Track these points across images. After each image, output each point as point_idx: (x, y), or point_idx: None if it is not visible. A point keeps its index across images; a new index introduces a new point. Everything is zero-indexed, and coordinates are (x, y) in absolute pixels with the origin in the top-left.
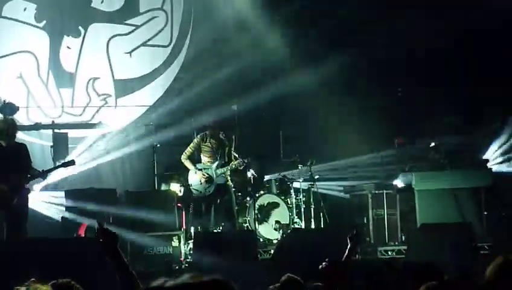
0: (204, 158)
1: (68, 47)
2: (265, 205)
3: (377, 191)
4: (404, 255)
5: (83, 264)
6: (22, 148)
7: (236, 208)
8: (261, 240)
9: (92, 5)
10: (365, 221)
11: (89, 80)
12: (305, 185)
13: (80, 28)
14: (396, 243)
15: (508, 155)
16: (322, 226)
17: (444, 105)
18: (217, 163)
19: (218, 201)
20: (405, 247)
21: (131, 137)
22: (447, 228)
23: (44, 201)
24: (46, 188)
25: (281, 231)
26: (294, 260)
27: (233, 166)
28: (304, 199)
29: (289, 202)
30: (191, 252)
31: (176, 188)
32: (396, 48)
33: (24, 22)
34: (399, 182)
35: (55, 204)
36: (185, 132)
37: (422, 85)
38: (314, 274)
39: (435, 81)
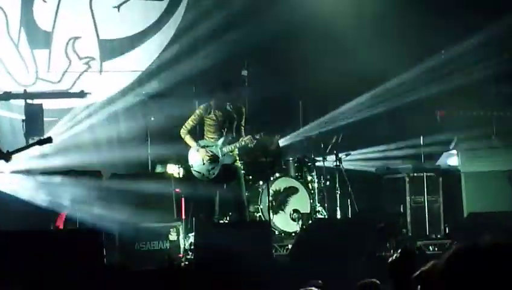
0: (208, 133)
1: (44, 0)
2: (281, 190)
3: (415, 174)
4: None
5: (62, 261)
6: None
7: (246, 194)
8: (277, 232)
9: None
10: (401, 210)
11: (69, 40)
12: (329, 166)
13: None
14: (439, 236)
15: None
16: (350, 215)
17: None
18: (223, 139)
19: (225, 185)
20: (449, 241)
21: (119, 109)
22: (499, 217)
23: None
24: (17, 171)
25: (300, 222)
26: (316, 257)
27: (243, 143)
28: (327, 183)
29: (310, 187)
30: (192, 247)
31: (173, 169)
32: None
33: None
34: (442, 163)
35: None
36: (185, 103)
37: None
38: (338, 273)
39: None
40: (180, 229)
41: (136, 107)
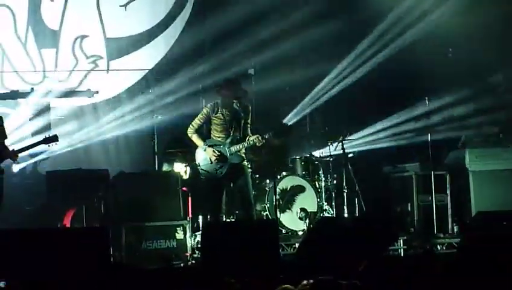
0: (215, 132)
1: None
2: (288, 189)
3: (423, 173)
4: (457, 250)
5: (69, 260)
6: None
7: (253, 193)
8: (284, 231)
9: None
10: (409, 208)
11: (76, 39)
12: (336, 165)
13: None
14: (447, 235)
15: None
16: (357, 214)
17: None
18: (230, 138)
19: (232, 184)
20: (457, 240)
21: (126, 107)
22: (508, 216)
23: None
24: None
25: (307, 221)
26: (323, 256)
27: (250, 142)
28: (335, 181)
29: (317, 186)
30: (199, 246)
31: (180, 168)
32: None
33: None
34: (450, 162)
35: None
36: (192, 101)
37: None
38: (346, 272)
39: None
40: (187, 227)
41: (143, 105)
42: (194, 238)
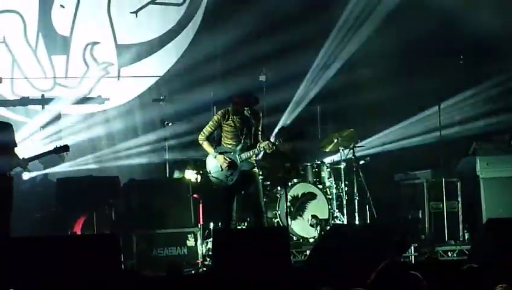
0: (226, 139)
1: (61, 5)
2: (299, 196)
3: (434, 179)
4: (467, 257)
5: (79, 266)
6: (5, 128)
7: (264, 200)
8: (295, 238)
9: None
10: (420, 215)
11: (87, 46)
12: (347, 172)
13: None
14: (458, 242)
15: None
16: (368, 221)
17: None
18: (241, 145)
19: (243, 192)
20: (468, 247)
21: (137, 114)
22: None
23: None
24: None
25: (318, 228)
26: (334, 263)
27: (261, 149)
28: (346, 189)
29: (328, 193)
30: (210, 253)
31: (191, 175)
32: None
33: None
34: (461, 169)
35: None
36: (203, 108)
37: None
38: (357, 280)
39: None
40: (198, 234)
41: (154, 112)
42: (205, 246)
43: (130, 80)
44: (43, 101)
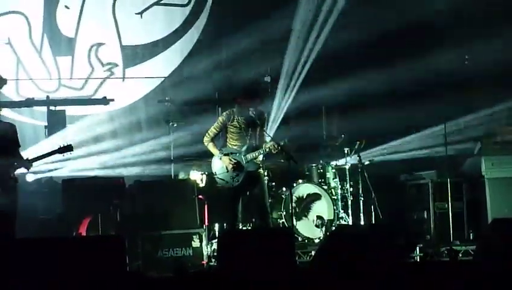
0: (231, 140)
1: (66, 6)
2: (304, 196)
3: (439, 180)
4: (473, 257)
5: (84, 268)
6: (10, 129)
7: (269, 200)
8: (300, 239)
9: None
10: (425, 216)
11: (92, 47)
12: (352, 172)
13: None
14: (463, 242)
15: None
16: (374, 222)
17: None
18: (246, 146)
19: (248, 192)
20: (474, 247)
21: (142, 115)
22: None
23: None
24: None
25: (323, 229)
26: (340, 264)
27: (266, 149)
28: (351, 189)
29: (333, 193)
30: (215, 254)
31: (196, 176)
32: None
33: None
34: (466, 169)
35: None
36: (208, 109)
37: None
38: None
39: None
40: (203, 235)
41: (158, 114)
42: (211, 247)
43: (135, 81)
44: (48, 103)
